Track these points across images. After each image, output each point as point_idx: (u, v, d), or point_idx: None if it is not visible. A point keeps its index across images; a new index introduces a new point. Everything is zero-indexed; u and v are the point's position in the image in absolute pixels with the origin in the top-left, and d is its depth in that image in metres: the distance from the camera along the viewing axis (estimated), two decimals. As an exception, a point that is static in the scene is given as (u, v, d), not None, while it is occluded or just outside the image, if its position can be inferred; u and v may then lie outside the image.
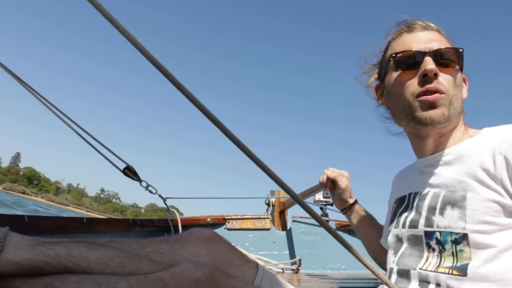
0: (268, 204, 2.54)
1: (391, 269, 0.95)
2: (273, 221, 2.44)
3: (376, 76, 1.09)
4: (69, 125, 1.54)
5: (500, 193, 0.78)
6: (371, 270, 0.67)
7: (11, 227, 0.67)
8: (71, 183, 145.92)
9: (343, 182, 1.34)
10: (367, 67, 1.11)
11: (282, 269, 2.03)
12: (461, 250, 0.80)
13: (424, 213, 0.89)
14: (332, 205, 1.94)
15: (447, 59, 0.90)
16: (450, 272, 0.80)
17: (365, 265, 0.67)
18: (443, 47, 0.91)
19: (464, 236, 0.79)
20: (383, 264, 1.22)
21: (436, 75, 0.87)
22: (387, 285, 0.68)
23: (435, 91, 0.87)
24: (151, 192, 1.89)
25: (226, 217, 2.35)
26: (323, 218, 2.37)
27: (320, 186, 1.48)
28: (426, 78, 0.88)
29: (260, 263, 0.84)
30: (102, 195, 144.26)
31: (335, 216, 2.36)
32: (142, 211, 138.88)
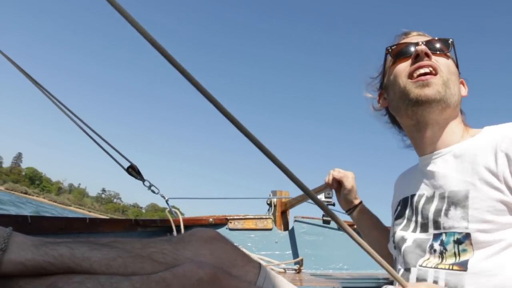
0: (269, 205, 2.54)
1: (399, 270, 0.95)
2: (275, 221, 2.44)
3: (377, 85, 1.12)
4: (76, 122, 1.55)
5: (503, 191, 0.78)
6: (383, 267, 0.67)
7: (14, 228, 0.67)
8: (72, 183, 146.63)
9: (349, 183, 1.34)
10: (370, 81, 1.14)
11: (284, 269, 2.03)
12: (464, 250, 0.80)
13: (431, 216, 0.89)
14: (333, 205, 1.93)
15: (438, 47, 0.95)
16: (451, 268, 0.80)
17: (378, 262, 0.67)
18: (434, 38, 0.97)
19: (467, 236, 0.79)
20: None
21: (427, 55, 0.91)
22: (399, 282, 0.68)
23: (428, 66, 0.90)
24: (153, 192, 1.89)
25: (228, 217, 2.35)
26: (324, 218, 2.37)
27: (326, 186, 1.48)
28: (418, 59, 0.92)
29: (262, 263, 0.84)
30: (103, 195, 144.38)
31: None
32: (143, 211, 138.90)
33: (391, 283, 1.02)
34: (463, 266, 0.78)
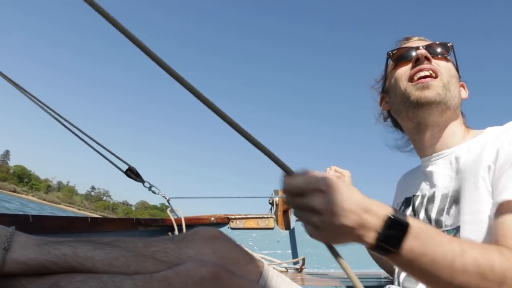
0: (271, 204, 2.54)
1: (399, 270, 0.96)
2: (276, 221, 2.44)
3: (380, 89, 1.13)
4: (71, 130, 1.54)
5: (485, 179, 0.79)
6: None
7: (16, 227, 0.67)
8: (61, 181, 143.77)
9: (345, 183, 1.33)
10: (373, 84, 1.16)
11: (286, 268, 2.03)
12: None
13: (433, 216, 0.89)
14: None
15: (438, 50, 0.96)
16: None
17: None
18: (433, 42, 0.98)
19: (457, 229, 0.81)
20: (386, 266, 1.21)
21: (428, 58, 0.93)
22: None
23: (428, 69, 0.91)
24: (154, 192, 1.89)
25: (230, 217, 2.35)
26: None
27: None
28: (419, 62, 0.93)
29: (264, 262, 0.84)
30: (92, 193, 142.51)
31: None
32: (133, 208, 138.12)
33: (392, 282, 1.02)
34: None
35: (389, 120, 1.14)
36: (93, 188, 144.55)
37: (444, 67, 0.94)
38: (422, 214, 0.94)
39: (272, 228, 2.38)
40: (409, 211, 1.00)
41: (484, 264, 0.59)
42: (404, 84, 0.94)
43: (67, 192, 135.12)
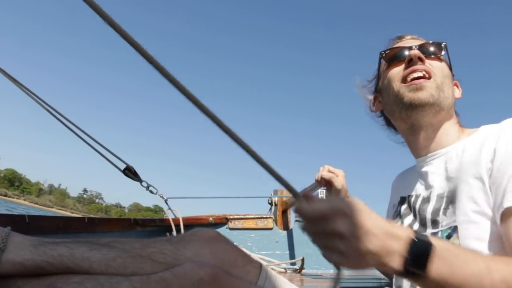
0: (271, 204, 2.53)
1: None
2: (275, 221, 2.43)
3: (372, 88, 1.12)
4: (69, 127, 1.54)
5: (484, 180, 0.78)
6: None
7: (12, 227, 0.67)
8: (52, 184, 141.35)
9: (338, 183, 1.31)
10: (366, 84, 1.15)
11: (285, 269, 2.03)
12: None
13: (429, 216, 0.89)
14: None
15: (431, 50, 0.95)
16: None
17: None
18: (427, 42, 0.97)
19: (455, 229, 0.80)
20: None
21: (421, 59, 0.92)
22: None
23: (421, 70, 0.91)
24: (152, 192, 1.88)
25: (228, 217, 2.34)
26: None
27: (317, 185, 1.45)
28: (412, 63, 0.92)
29: (263, 263, 0.84)
30: (85, 196, 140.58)
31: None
32: (126, 210, 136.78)
33: (391, 284, 1.02)
34: None
35: (382, 119, 1.13)
36: (85, 190, 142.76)
37: (437, 68, 0.93)
38: (417, 215, 0.94)
39: (271, 229, 2.37)
40: (404, 211, 1.00)
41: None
42: (397, 85, 0.94)
43: (59, 195, 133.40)
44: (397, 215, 1.04)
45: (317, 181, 1.39)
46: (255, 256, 1.91)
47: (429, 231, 0.88)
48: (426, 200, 0.91)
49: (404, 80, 0.92)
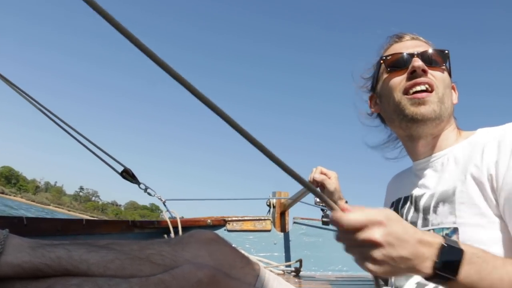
0: (269, 206, 2.53)
1: None
2: (273, 223, 2.43)
3: (369, 87, 1.10)
4: (67, 130, 1.53)
5: (485, 185, 0.78)
6: None
7: (10, 229, 0.67)
8: (49, 181, 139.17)
9: (331, 185, 1.30)
10: (362, 82, 1.12)
11: (283, 270, 2.03)
12: None
13: (420, 214, 0.90)
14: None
15: (434, 60, 0.93)
16: None
17: None
18: (430, 49, 0.94)
19: (455, 230, 0.80)
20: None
21: (424, 71, 0.90)
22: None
23: (424, 83, 0.89)
24: (150, 194, 1.88)
25: (227, 219, 2.34)
26: (323, 220, 2.36)
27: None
28: (415, 75, 0.90)
29: (261, 264, 0.84)
30: (81, 193, 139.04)
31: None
32: (122, 208, 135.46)
33: (387, 284, 1.02)
34: None
35: (378, 119, 1.12)
36: (81, 188, 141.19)
37: (439, 79, 0.91)
38: (409, 214, 0.94)
39: (269, 230, 2.37)
40: (398, 212, 1.00)
41: None
42: (398, 95, 0.92)
43: (56, 193, 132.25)
44: None
45: (310, 182, 1.38)
46: (253, 258, 1.91)
47: (420, 228, 0.88)
48: (419, 199, 0.92)
49: (406, 91, 0.91)
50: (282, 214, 2.48)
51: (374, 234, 0.57)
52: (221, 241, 0.77)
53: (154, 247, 0.71)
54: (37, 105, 1.46)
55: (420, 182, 0.95)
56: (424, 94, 0.88)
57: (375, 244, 0.57)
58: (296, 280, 1.80)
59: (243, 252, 0.83)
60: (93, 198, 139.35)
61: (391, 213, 0.60)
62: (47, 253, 0.64)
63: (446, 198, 0.84)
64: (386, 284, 1.02)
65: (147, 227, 2.08)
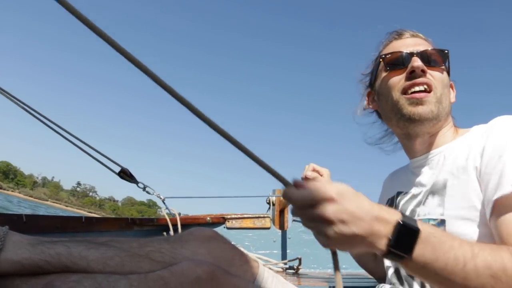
0: (269, 203, 2.54)
1: (387, 267, 0.97)
2: (273, 220, 2.44)
3: (367, 83, 1.10)
4: (62, 135, 1.52)
5: (471, 177, 0.79)
6: None
7: (9, 226, 0.67)
8: (46, 176, 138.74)
9: None
10: (360, 78, 1.12)
11: (282, 268, 2.03)
12: None
13: (411, 207, 0.91)
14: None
15: (433, 59, 0.93)
16: None
17: None
18: (429, 49, 0.94)
19: (442, 222, 0.80)
20: (365, 265, 1.21)
21: (423, 71, 0.90)
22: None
23: (423, 84, 0.89)
24: (148, 193, 1.88)
25: (226, 216, 2.35)
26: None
27: None
28: (413, 75, 0.90)
29: (260, 262, 0.84)
30: (78, 189, 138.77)
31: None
32: (119, 204, 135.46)
33: (384, 281, 1.03)
34: None
35: (374, 114, 1.11)
36: (78, 184, 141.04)
37: (438, 79, 0.91)
38: (399, 208, 0.95)
39: (268, 228, 2.38)
40: (395, 206, 1.01)
41: (497, 267, 0.59)
42: (396, 95, 0.92)
43: (53, 188, 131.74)
44: None
45: (302, 179, 1.37)
46: (252, 255, 1.91)
47: None
48: (414, 196, 0.93)
49: (404, 91, 0.91)
50: (281, 212, 2.48)
51: (325, 210, 0.57)
52: (220, 239, 0.78)
53: (153, 244, 0.71)
54: (31, 111, 1.46)
55: (417, 179, 0.96)
56: (422, 95, 0.88)
57: (326, 221, 0.57)
58: (295, 277, 1.81)
59: (242, 249, 0.83)
60: (90, 194, 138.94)
61: (345, 188, 0.59)
62: (47, 250, 0.64)
63: (436, 191, 0.85)
64: (384, 281, 1.03)
65: (146, 224, 2.08)
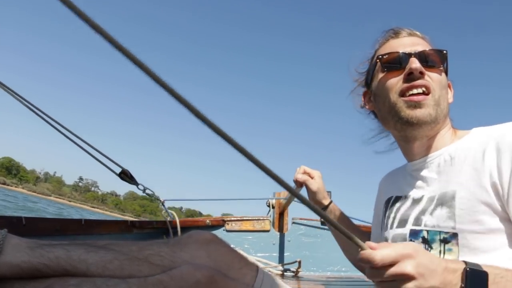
0: (269, 206, 2.54)
1: None
2: (272, 223, 2.44)
3: (363, 83, 1.08)
4: (63, 133, 1.52)
5: (489, 193, 0.78)
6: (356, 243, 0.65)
7: (8, 229, 0.67)
8: (48, 172, 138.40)
9: (313, 185, 1.28)
10: (356, 76, 1.11)
11: (282, 271, 2.03)
12: (449, 249, 0.80)
13: (414, 214, 0.89)
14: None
15: (431, 60, 0.91)
16: None
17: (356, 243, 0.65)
18: (427, 49, 0.92)
19: (454, 236, 0.80)
20: (362, 268, 1.21)
21: (422, 73, 0.88)
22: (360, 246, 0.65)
23: (421, 86, 0.88)
24: (148, 195, 1.88)
25: (225, 219, 2.35)
26: (322, 220, 2.37)
27: (296, 186, 1.41)
28: (412, 77, 0.89)
29: (260, 265, 0.84)
30: (80, 184, 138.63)
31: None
32: (121, 198, 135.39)
33: None
34: None
35: (371, 115, 1.10)
36: (81, 178, 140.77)
37: (436, 81, 0.90)
38: (400, 212, 0.94)
39: (268, 231, 2.38)
40: (389, 211, 1.00)
41: None
42: (394, 97, 0.91)
43: (56, 183, 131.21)
44: (383, 215, 1.04)
45: (294, 182, 1.36)
46: (252, 258, 1.91)
47: (409, 227, 0.89)
48: (416, 201, 0.92)
49: (402, 93, 0.89)
50: (281, 215, 2.48)
51: (406, 267, 0.60)
52: (220, 242, 0.77)
53: (152, 248, 0.71)
54: (32, 107, 1.46)
55: (417, 183, 0.95)
56: (420, 97, 0.87)
57: (408, 277, 0.60)
58: (295, 280, 1.81)
59: (241, 252, 0.83)
60: (93, 189, 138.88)
61: (417, 245, 0.64)
62: (46, 253, 0.64)
63: (445, 202, 0.83)
64: None
65: (146, 227, 2.08)
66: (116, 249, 0.69)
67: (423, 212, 0.87)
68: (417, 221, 0.87)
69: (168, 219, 2.01)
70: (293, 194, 0.62)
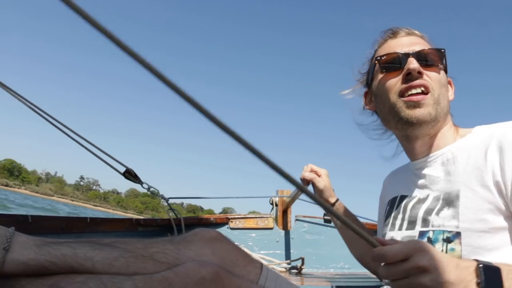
0: (272, 204, 2.54)
1: None
2: (276, 220, 2.44)
3: (364, 83, 1.09)
4: (67, 133, 1.53)
5: (492, 192, 0.78)
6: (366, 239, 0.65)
7: (15, 227, 0.68)
8: (49, 172, 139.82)
9: (320, 183, 1.29)
10: (357, 77, 1.11)
11: (285, 268, 2.04)
12: (452, 249, 0.80)
13: (421, 214, 0.89)
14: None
15: (430, 59, 0.91)
16: None
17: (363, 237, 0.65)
18: (425, 48, 0.92)
19: (457, 235, 0.80)
20: (367, 264, 1.21)
21: (420, 73, 0.89)
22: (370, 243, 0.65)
23: (420, 86, 0.88)
24: (153, 193, 1.89)
25: (229, 217, 2.35)
26: (325, 217, 2.37)
27: (303, 184, 1.41)
28: (410, 77, 0.89)
29: (263, 262, 0.84)
30: (82, 183, 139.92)
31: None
32: (123, 196, 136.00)
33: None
34: None
35: (373, 116, 1.10)
36: (82, 178, 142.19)
37: (435, 80, 0.90)
38: (407, 213, 0.94)
39: (271, 228, 2.38)
40: (395, 210, 1.00)
41: None
42: (394, 97, 0.91)
43: (58, 183, 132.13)
44: (387, 214, 1.04)
45: (301, 180, 1.37)
46: (256, 255, 1.92)
47: (418, 228, 0.89)
48: (421, 201, 0.92)
49: (401, 94, 0.90)
50: (285, 212, 2.49)
51: (420, 260, 0.60)
52: (224, 240, 0.78)
53: (157, 245, 0.72)
54: (36, 109, 1.47)
55: (420, 182, 0.95)
56: (420, 97, 0.88)
57: (424, 270, 0.60)
58: (298, 277, 1.81)
59: (246, 250, 0.84)
60: (94, 187, 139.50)
61: (426, 243, 0.64)
62: (53, 251, 0.65)
63: (450, 202, 0.83)
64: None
65: (151, 225, 2.09)
66: (121, 246, 0.69)
67: (429, 212, 0.87)
68: (425, 222, 0.87)
69: (173, 216, 2.02)
70: (304, 191, 0.61)
